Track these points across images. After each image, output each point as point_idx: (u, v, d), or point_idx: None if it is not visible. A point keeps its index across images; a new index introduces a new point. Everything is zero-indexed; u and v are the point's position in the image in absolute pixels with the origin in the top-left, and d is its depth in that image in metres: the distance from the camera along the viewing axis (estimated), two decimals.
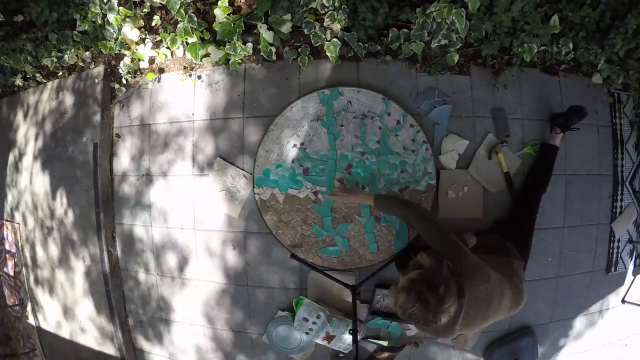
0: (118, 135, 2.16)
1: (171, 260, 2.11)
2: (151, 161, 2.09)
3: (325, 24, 1.72)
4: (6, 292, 2.79)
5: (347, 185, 1.82)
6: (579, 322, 2.10)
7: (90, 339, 2.40)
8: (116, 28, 1.90)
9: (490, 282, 1.32)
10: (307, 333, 1.86)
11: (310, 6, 1.67)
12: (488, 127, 1.86)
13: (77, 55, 2.13)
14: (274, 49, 1.80)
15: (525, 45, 1.69)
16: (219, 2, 1.72)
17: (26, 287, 2.60)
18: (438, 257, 1.26)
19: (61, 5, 2.03)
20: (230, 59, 1.85)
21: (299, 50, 1.79)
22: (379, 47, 1.80)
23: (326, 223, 1.87)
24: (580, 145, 1.93)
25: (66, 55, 2.12)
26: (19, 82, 2.38)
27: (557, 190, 1.91)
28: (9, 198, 2.61)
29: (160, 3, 1.84)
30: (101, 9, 1.83)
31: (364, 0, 1.68)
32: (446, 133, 1.84)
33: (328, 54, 1.75)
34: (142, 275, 2.19)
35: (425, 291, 1.17)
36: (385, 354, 1.97)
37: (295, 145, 1.86)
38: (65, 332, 2.51)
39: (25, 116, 2.48)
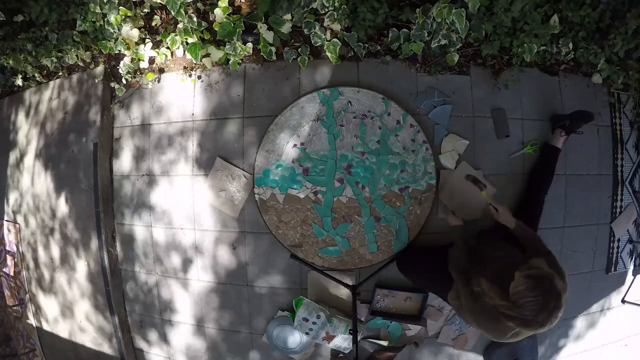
0: (118, 136, 2.16)
1: (171, 260, 2.11)
2: (151, 161, 2.09)
3: (325, 24, 1.72)
4: (6, 292, 2.79)
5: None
6: (579, 322, 2.10)
7: (90, 339, 2.40)
8: (116, 28, 1.90)
9: None
10: (307, 333, 1.86)
11: (310, 6, 1.67)
12: (488, 127, 1.86)
13: (77, 55, 2.13)
14: (274, 49, 1.80)
15: (525, 45, 1.69)
16: (219, 2, 1.72)
17: (26, 287, 2.60)
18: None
19: (61, 5, 2.03)
20: (230, 59, 1.85)
21: (299, 50, 1.79)
22: (379, 47, 1.80)
23: (326, 223, 1.87)
24: (581, 145, 1.94)
25: (66, 55, 2.12)
26: (19, 82, 2.37)
27: (557, 190, 1.91)
28: (9, 198, 2.61)
29: (160, 3, 1.84)
30: (101, 9, 1.83)
31: (364, 0, 1.68)
32: (446, 133, 1.84)
33: (328, 54, 1.75)
34: (141, 275, 2.19)
35: (552, 291, 1.16)
36: (385, 354, 1.97)
37: (295, 145, 1.86)
38: (65, 332, 2.51)
39: (25, 116, 2.47)
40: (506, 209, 1.62)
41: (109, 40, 1.95)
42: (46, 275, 2.47)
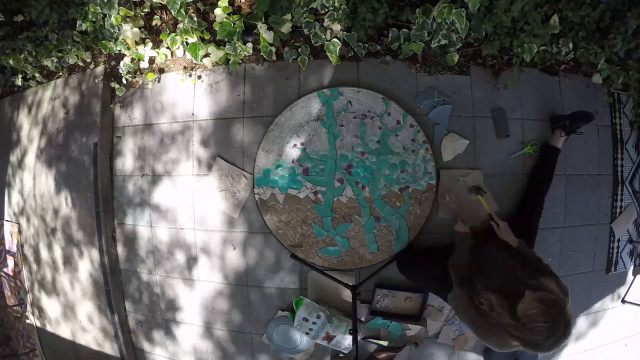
0: (118, 136, 2.16)
1: (171, 260, 2.11)
2: (151, 161, 2.09)
3: (325, 24, 1.72)
4: (6, 292, 2.79)
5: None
6: (579, 322, 2.10)
7: (90, 339, 2.40)
8: (116, 28, 1.90)
9: None
10: (307, 333, 1.86)
11: (310, 6, 1.67)
12: (488, 127, 1.86)
13: (77, 55, 2.13)
14: (274, 49, 1.80)
15: (525, 45, 1.69)
16: (219, 2, 1.72)
17: (26, 287, 2.60)
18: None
19: (61, 5, 2.03)
20: (230, 59, 1.85)
21: (299, 50, 1.79)
22: (379, 47, 1.80)
23: (326, 223, 1.87)
24: (580, 145, 1.93)
25: (66, 55, 2.12)
26: (19, 82, 2.38)
27: (557, 190, 1.91)
28: (9, 198, 2.61)
29: (160, 3, 1.84)
30: (101, 9, 1.83)
31: (364, 1, 1.68)
32: (446, 133, 1.84)
33: (328, 54, 1.75)
34: (142, 276, 2.19)
35: (562, 318, 1.15)
36: (385, 354, 1.97)
37: (295, 145, 1.86)
38: (65, 332, 2.51)
39: (25, 116, 2.48)
40: (507, 226, 1.59)
41: (109, 40, 1.95)
42: (46, 275, 2.47)
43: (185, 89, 2.01)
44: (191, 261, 2.07)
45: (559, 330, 1.14)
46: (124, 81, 2.09)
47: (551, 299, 1.19)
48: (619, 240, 2.07)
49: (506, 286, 1.25)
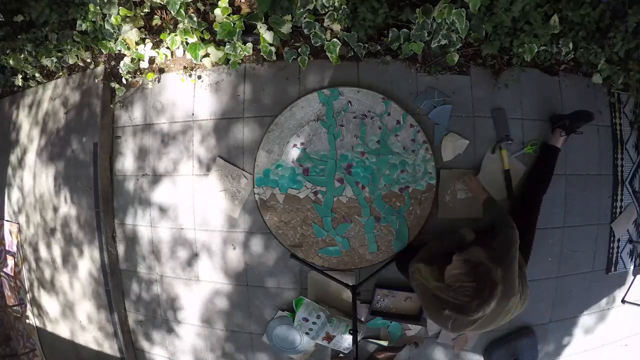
0: (118, 136, 2.16)
1: (171, 260, 2.11)
2: (151, 161, 2.09)
3: (325, 24, 1.72)
4: (6, 292, 2.79)
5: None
6: (579, 322, 2.10)
7: (90, 339, 2.40)
8: (116, 28, 1.90)
9: (517, 295, 1.32)
10: (307, 333, 1.86)
11: (309, 6, 1.67)
12: (488, 127, 1.86)
13: (77, 55, 2.13)
14: (274, 49, 1.80)
15: (525, 45, 1.69)
16: (219, 2, 1.72)
17: (26, 287, 2.60)
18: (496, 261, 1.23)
19: (61, 5, 2.04)
20: (230, 59, 1.85)
21: (299, 50, 1.79)
22: (379, 47, 1.80)
23: (326, 223, 1.87)
24: (580, 145, 1.93)
25: (66, 55, 2.12)
26: (19, 82, 2.38)
27: (557, 190, 1.91)
28: (9, 198, 2.61)
29: (160, 3, 1.84)
30: (101, 9, 1.83)
31: (364, 0, 1.68)
32: (446, 133, 1.84)
33: (328, 54, 1.75)
34: (141, 275, 2.19)
35: (487, 279, 1.14)
36: (385, 354, 1.97)
37: (295, 145, 1.86)
38: (65, 332, 2.51)
39: (26, 116, 2.48)
40: (478, 181, 1.68)
41: (109, 40, 1.95)
42: (46, 275, 2.47)
43: (185, 89, 2.01)
44: (191, 261, 2.08)
45: (484, 291, 1.15)
46: (124, 81, 2.09)
47: (477, 260, 1.20)
48: (619, 240, 2.08)
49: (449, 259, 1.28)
